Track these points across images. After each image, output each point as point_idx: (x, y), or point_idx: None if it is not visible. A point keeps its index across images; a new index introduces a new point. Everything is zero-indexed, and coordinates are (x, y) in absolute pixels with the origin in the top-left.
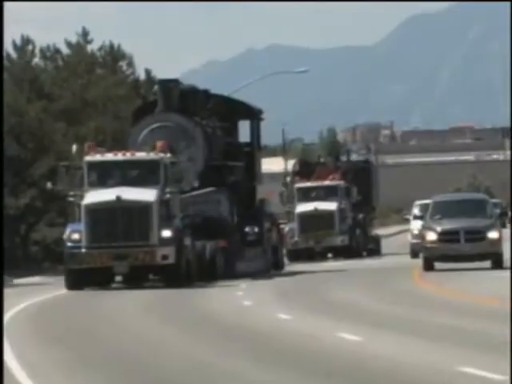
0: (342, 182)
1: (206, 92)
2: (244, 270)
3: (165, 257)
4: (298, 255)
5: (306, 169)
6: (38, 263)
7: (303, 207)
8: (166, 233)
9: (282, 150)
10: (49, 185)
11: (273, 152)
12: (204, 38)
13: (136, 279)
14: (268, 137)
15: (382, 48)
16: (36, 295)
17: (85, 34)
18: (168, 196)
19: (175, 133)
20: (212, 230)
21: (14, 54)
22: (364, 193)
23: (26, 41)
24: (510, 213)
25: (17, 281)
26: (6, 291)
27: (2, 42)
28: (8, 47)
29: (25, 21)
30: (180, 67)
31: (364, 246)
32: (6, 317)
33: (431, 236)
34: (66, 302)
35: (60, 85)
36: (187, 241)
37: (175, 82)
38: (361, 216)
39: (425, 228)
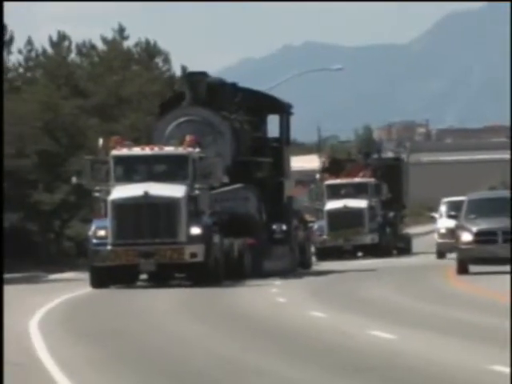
0: (372, 179)
1: (233, 85)
2: (271, 269)
3: (193, 255)
4: (327, 253)
5: (335, 166)
6: (72, 259)
7: (332, 204)
8: (195, 230)
9: (317, 148)
10: (74, 179)
11: (308, 150)
12: (239, 35)
13: (162, 277)
14: (303, 134)
15: (417, 46)
16: (69, 291)
17: (121, 30)
18: (196, 192)
19: (202, 127)
20: (240, 227)
21: (50, 50)
22: (394, 190)
23: (62, 37)
24: None
25: (51, 276)
26: (41, 287)
27: (2, 41)
28: (44, 43)
29: (61, 17)
30: (215, 64)
31: (394, 244)
32: (41, 312)
33: (466, 237)
34: (98, 299)
35: (95, 81)
36: (216, 238)
37: (203, 74)
38: (391, 214)
39: (459, 228)
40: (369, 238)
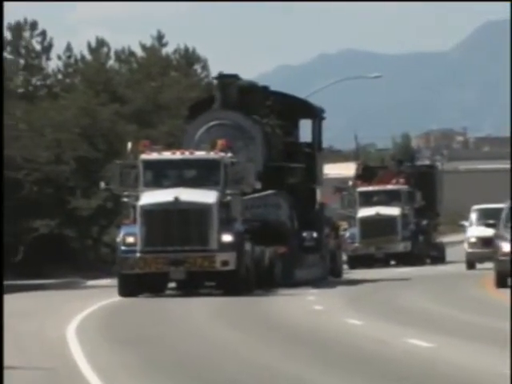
0: (405, 187)
1: (265, 88)
2: (302, 277)
3: (225, 263)
4: (359, 262)
5: (368, 173)
6: (109, 265)
7: (365, 212)
8: (227, 237)
9: (355, 155)
10: (102, 184)
11: (345, 157)
12: (276, 42)
13: (191, 286)
14: (341, 142)
15: (455, 54)
16: (106, 297)
17: (159, 36)
18: (228, 198)
19: (233, 131)
20: (271, 235)
21: (88, 57)
22: (428, 198)
23: (101, 43)
24: None
25: (89, 282)
26: (79, 293)
27: (2, 42)
28: (83, 49)
29: (100, 23)
30: (252, 70)
31: (427, 253)
32: (78, 318)
33: (506, 247)
34: (134, 306)
35: (133, 87)
36: (247, 246)
37: (234, 77)
38: (424, 222)
39: (497, 237)
40: (401, 246)
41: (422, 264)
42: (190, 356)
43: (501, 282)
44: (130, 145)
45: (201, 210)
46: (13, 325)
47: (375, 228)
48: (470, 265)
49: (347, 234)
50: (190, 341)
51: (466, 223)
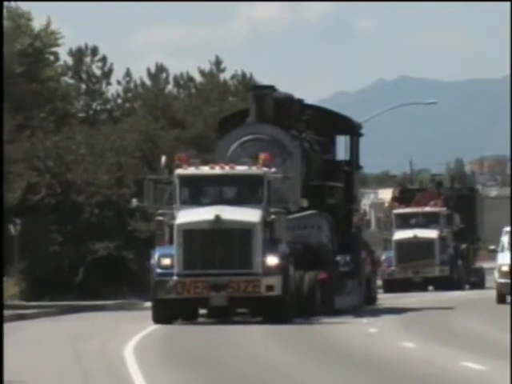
0: (443, 209)
1: (300, 102)
2: (342, 305)
3: (270, 287)
4: (395, 286)
5: (406, 195)
6: None
7: (401, 234)
8: (272, 260)
9: (409, 181)
10: (134, 202)
11: (400, 182)
12: (335, 69)
13: (226, 313)
14: (396, 167)
15: (509, 81)
16: None
17: (218, 62)
18: (272, 217)
19: (270, 146)
20: (312, 258)
21: (148, 82)
22: (468, 221)
23: (160, 68)
24: None
25: (147, 304)
26: (137, 314)
27: (2, 41)
28: (142, 75)
29: (159, 49)
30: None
31: (466, 278)
32: (136, 339)
33: None
34: (190, 327)
35: (192, 112)
36: (291, 270)
37: (271, 88)
38: (464, 246)
39: None
40: (439, 271)
41: (460, 289)
42: (247, 377)
43: None
44: (163, 159)
45: (244, 229)
46: (74, 345)
47: (412, 251)
48: (501, 298)
49: (383, 257)
50: (246, 362)
51: (496, 248)
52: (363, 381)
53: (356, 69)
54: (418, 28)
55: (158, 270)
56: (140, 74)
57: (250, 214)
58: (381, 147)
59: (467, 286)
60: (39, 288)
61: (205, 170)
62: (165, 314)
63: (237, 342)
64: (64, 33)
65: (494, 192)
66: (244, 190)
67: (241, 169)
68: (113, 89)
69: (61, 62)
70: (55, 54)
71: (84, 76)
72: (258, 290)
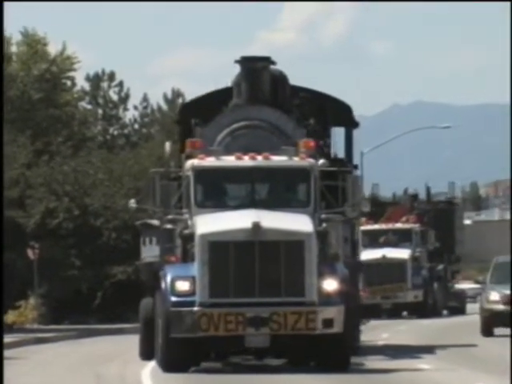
0: (416, 225)
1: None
2: None
3: (328, 322)
4: (362, 313)
5: (377, 209)
6: None
7: (369, 254)
8: (330, 284)
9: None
10: (132, 203)
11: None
12: (351, 94)
13: (251, 354)
14: (411, 191)
15: None
16: None
17: None
18: (324, 225)
19: (268, 136)
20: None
21: (164, 107)
22: (446, 239)
23: (177, 94)
24: None
25: None
26: None
27: (2, 41)
28: (159, 100)
29: (175, 74)
30: None
31: (444, 303)
32: (153, 363)
33: None
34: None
35: None
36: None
37: (267, 61)
38: (440, 267)
39: None
40: (411, 296)
41: (437, 316)
42: None
43: None
44: (168, 146)
45: (295, 242)
46: (93, 368)
47: (381, 274)
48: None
49: None
50: None
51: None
52: None
53: (372, 93)
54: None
55: (173, 299)
56: (157, 99)
57: (299, 222)
58: (397, 171)
59: (445, 312)
60: (58, 312)
61: (229, 160)
62: (180, 358)
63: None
64: (81, 58)
65: (508, 215)
66: (284, 189)
67: (279, 160)
68: (130, 114)
69: (78, 88)
70: (72, 79)
71: (101, 101)
72: (312, 325)
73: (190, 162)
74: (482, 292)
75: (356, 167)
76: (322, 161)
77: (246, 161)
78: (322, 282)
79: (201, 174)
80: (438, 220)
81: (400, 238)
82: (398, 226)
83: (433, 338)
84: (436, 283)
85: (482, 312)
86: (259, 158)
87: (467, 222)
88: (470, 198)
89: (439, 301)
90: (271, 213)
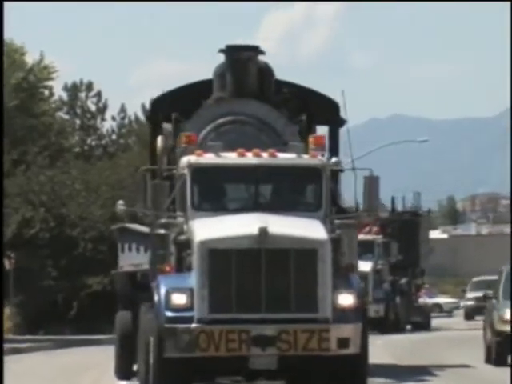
0: (379, 237)
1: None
2: None
3: (343, 342)
4: None
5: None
6: None
7: None
8: (346, 298)
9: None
10: (120, 205)
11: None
12: None
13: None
14: (388, 204)
15: (503, 120)
16: None
17: None
18: (338, 232)
19: (256, 132)
20: None
21: (142, 117)
22: (409, 252)
23: None
24: None
25: None
26: None
27: (2, 42)
28: (137, 110)
29: (154, 85)
30: None
31: (407, 318)
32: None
33: None
34: None
35: None
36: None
37: (255, 51)
38: (404, 280)
39: None
40: (372, 310)
41: (399, 331)
42: None
43: None
44: (160, 140)
45: (307, 250)
46: (68, 379)
47: None
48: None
49: None
50: None
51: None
52: None
53: (349, 106)
54: (412, 66)
55: (168, 314)
56: (135, 110)
57: (311, 227)
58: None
59: (408, 327)
60: (34, 322)
61: (231, 157)
62: (175, 381)
63: None
64: (59, 67)
65: (485, 230)
66: (292, 190)
67: (287, 157)
68: (107, 124)
69: (56, 97)
70: (50, 89)
71: (79, 111)
72: (326, 345)
73: (185, 159)
74: (488, 308)
75: (342, 171)
76: (334, 159)
77: (250, 158)
78: (336, 297)
79: (198, 172)
80: (402, 232)
81: (361, 250)
82: (360, 236)
83: (418, 355)
84: (398, 297)
85: (492, 334)
86: (264, 155)
87: (444, 235)
88: (446, 212)
89: (402, 316)
90: (279, 217)
